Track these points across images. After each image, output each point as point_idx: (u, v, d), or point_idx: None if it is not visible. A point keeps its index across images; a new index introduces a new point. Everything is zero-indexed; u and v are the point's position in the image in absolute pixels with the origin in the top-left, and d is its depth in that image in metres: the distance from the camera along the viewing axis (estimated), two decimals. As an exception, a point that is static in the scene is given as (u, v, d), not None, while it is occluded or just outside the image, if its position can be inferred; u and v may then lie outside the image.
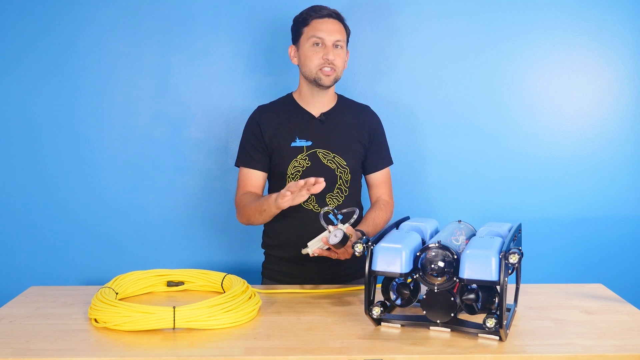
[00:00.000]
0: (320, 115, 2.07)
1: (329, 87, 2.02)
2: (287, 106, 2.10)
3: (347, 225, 1.76)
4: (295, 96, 2.11)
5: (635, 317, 1.62)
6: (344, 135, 2.06)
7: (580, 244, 2.54)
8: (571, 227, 2.53)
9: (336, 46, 2.00)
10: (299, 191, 1.77)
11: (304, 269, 2.06)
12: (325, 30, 1.99)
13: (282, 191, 1.78)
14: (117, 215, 2.48)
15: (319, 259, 2.01)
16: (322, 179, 1.74)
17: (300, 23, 2.04)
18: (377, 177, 2.11)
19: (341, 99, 2.14)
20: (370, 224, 1.98)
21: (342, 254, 1.80)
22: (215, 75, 2.46)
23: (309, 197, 2.02)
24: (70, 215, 2.47)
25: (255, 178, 2.07)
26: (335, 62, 1.98)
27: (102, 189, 2.47)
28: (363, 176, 2.15)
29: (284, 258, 2.09)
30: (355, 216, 1.78)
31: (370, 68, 2.46)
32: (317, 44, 1.99)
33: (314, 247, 1.77)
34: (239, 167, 2.10)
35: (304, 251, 1.79)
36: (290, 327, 1.55)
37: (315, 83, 2.01)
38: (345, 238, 1.71)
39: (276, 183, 2.09)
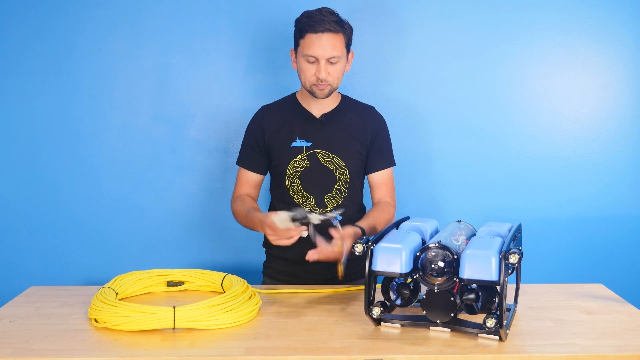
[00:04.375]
0: (321, 116, 2.07)
1: (324, 98, 2.01)
2: (289, 106, 2.10)
3: (317, 215, 1.72)
4: (298, 96, 2.11)
5: (635, 317, 1.62)
6: (344, 136, 2.06)
7: (580, 244, 2.54)
8: (571, 227, 2.53)
9: (331, 62, 1.95)
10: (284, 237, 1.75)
11: (304, 268, 2.06)
12: (319, 47, 1.92)
13: (269, 223, 1.75)
14: (117, 215, 2.48)
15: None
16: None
17: (297, 32, 1.98)
18: (378, 178, 2.11)
19: (345, 100, 2.13)
20: (371, 223, 1.97)
21: (328, 252, 1.78)
22: (215, 75, 2.46)
23: (308, 198, 2.03)
24: (70, 215, 2.47)
25: (252, 179, 2.10)
26: (328, 78, 1.95)
27: (102, 189, 2.47)
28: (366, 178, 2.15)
29: (284, 257, 2.10)
30: (335, 221, 1.77)
31: (371, 68, 2.46)
32: (311, 61, 1.95)
33: (282, 223, 1.73)
34: (238, 165, 2.13)
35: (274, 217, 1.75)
36: (290, 327, 1.55)
37: (311, 94, 2.01)
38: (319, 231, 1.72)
39: (276, 182, 2.10)
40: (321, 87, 1.97)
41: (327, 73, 1.94)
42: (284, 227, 1.73)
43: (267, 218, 1.76)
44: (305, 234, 1.76)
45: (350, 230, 1.83)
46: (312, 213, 1.72)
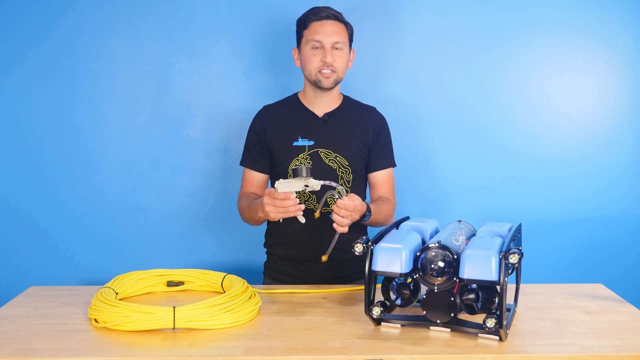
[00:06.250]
0: (324, 115, 2.07)
1: (329, 89, 2.03)
2: (291, 106, 2.12)
3: (319, 181, 1.72)
4: (300, 96, 2.13)
5: (635, 317, 1.62)
6: (346, 135, 2.07)
7: (580, 244, 2.54)
8: (571, 227, 2.53)
9: (336, 48, 2.00)
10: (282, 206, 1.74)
11: (304, 268, 2.06)
12: (324, 32, 1.99)
13: (268, 190, 1.76)
14: (117, 215, 2.48)
15: (319, 258, 2.01)
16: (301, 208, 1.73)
17: (300, 26, 2.05)
18: (379, 177, 2.11)
19: (347, 100, 2.14)
20: (374, 206, 1.95)
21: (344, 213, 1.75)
22: (215, 75, 2.46)
23: (310, 197, 2.03)
24: (70, 215, 2.47)
25: (257, 179, 2.11)
26: (334, 63, 1.99)
27: (102, 189, 2.47)
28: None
29: (285, 257, 2.10)
30: (337, 194, 1.75)
31: (371, 68, 2.46)
32: (316, 47, 2.00)
33: (282, 186, 1.72)
34: (242, 166, 2.14)
35: (277, 184, 1.74)
36: (290, 327, 1.55)
37: (316, 85, 2.02)
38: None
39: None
40: (327, 75, 1.99)
41: (333, 58, 1.98)
42: (282, 191, 1.72)
43: (269, 189, 1.77)
44: (302, 219, 1.75)
45: (357, 199, 1.78)
46: (312, 179, 1.70)
